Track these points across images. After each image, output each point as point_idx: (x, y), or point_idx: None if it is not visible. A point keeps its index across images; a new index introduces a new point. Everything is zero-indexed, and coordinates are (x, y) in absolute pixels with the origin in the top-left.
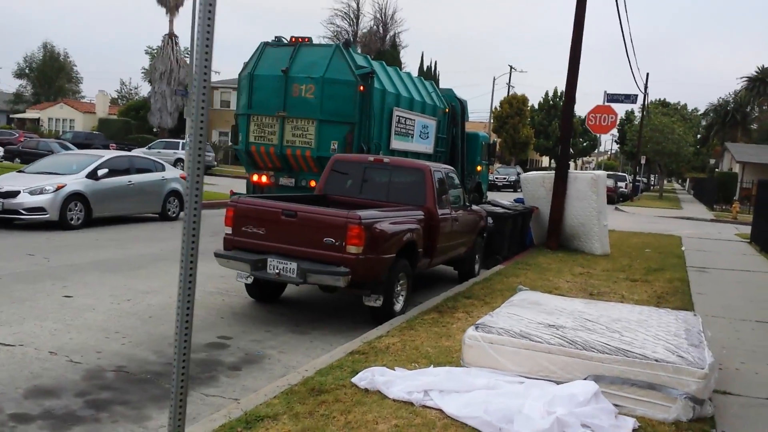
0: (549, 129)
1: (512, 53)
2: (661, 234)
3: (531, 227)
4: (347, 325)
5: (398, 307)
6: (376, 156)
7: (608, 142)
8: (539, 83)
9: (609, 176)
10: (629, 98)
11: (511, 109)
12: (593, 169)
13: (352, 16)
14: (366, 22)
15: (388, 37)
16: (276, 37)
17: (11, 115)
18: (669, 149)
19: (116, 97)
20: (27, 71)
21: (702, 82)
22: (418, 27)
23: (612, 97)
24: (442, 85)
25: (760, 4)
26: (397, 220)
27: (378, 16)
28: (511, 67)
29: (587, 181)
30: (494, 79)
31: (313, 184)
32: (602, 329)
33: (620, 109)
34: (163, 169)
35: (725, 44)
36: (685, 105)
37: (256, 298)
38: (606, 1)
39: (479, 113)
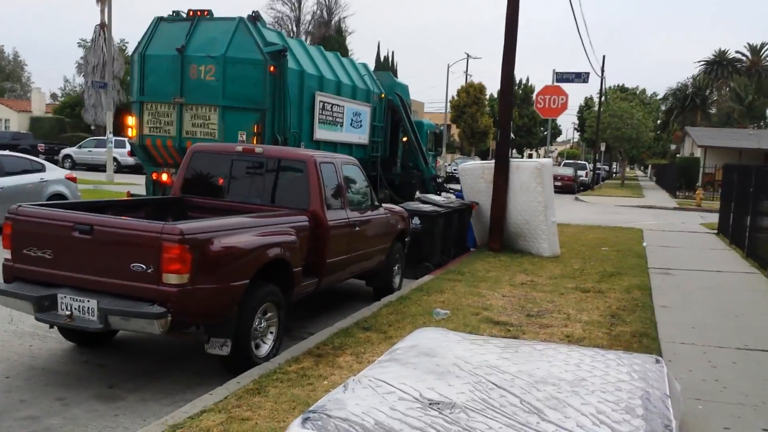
0: None
1: (472, 42)
2: (620, 227)
3: (472, 226)
4: (189, 379)
5: (264, 349)
6: (246, 145)
7: (570, 130)
8: (498, 71)
9: (568, 164)
10: (580, 77)
11: (469, 98)
12: (555, 158)
13: (293, 0)
14: (309, 7)
15: (333, 22)
16: (174, 11)
17: None
18: (628, 135)
19: (59, 94)
20: None
21: (660, 67)
22: (375, 17)
23: (561, 77)
24: (401, 75)
25: None
26: (261, 231)
27: (321, 0)
28: (468, 55)
29: (531, 171)
30: (449, 67)
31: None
32: (514, 405)
33: (578, 94)
34: (42, 169)
35: (683, 28)
36: (644, 90)
37: (77, 342)
38: None
39: (438, 104)
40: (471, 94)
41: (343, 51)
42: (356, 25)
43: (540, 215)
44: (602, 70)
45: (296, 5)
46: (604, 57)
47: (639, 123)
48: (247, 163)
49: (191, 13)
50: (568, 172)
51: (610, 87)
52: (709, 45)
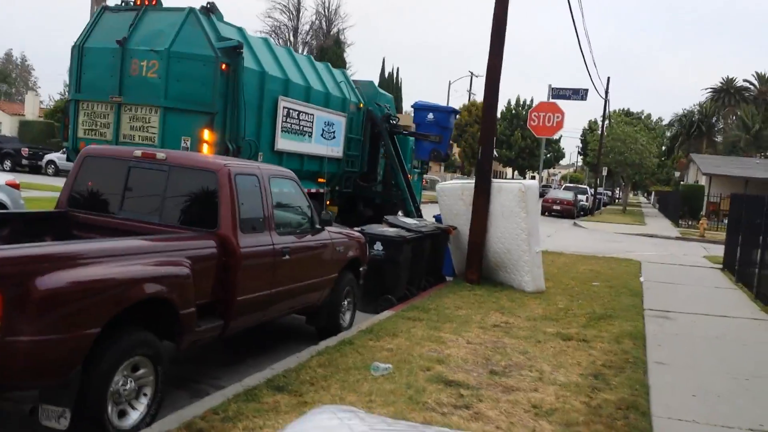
0: (512, 139)
1: (476, 60)
2: (617, 258)
3: (450, 253)
4: None
5: (134, 417)
6: (145, 149)
7: (574, 154)
8: (502, 90)
9: (569, 188)
10: (578, 94)
11: (470, 117)
12: (558, 181)
13: (292, 9)
14: (308, 17)
15: (332, 33)
16: (123, 0)
17: None
18: (631, 160)
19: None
20: None
21: (666, 94)
22: (380, 32)
23: (557, 93)
24: (405, 91)
25: (724, 16)
26: (132, 260)
27: (320, 10)
28: (471, 73)
29: (514, 194)
30: (450, 84)
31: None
32: None
33: (582, 116)
34: None
35: (690, 55)
36: (649, 115)
37: None
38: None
39: None
40: (473, 113)
41: (341, 63)
42: (359, 39)
43: (523, 244)
44: (606, 92)
45: (294, 14)
46: (608, 79)
47: (643, 148)
48: (148, 172)
49: (138, 2)
50: (568, 196)
51: (614, 111)
52: (716, 72)
